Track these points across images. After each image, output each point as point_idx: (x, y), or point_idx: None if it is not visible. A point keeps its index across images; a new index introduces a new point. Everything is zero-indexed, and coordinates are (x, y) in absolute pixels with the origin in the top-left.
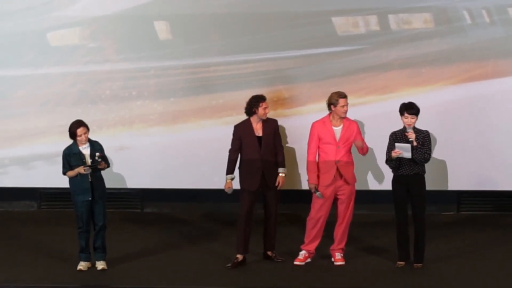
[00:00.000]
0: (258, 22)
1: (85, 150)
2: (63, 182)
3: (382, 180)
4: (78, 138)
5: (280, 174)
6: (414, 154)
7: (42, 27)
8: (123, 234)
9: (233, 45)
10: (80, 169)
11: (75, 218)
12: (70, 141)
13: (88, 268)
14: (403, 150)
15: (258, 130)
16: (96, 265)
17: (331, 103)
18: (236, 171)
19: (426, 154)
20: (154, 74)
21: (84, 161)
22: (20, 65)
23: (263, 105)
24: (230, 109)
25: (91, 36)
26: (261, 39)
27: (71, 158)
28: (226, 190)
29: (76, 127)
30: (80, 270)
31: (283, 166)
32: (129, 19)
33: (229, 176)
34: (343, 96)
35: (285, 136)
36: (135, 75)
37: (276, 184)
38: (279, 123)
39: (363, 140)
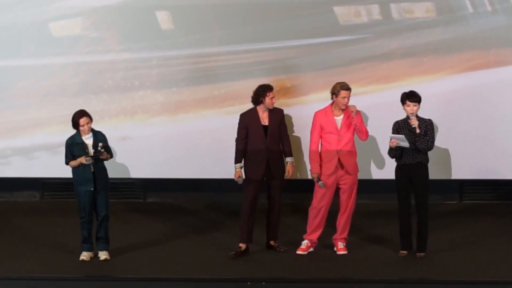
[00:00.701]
0: (260, 12)
1: (88, 140)
2: (65, 172)
3: (385, 169)
4: (81, 128)
5: (289, 163)
6: (417, 142)
7: (43, 18)
8: (125, 224)
9: (235, 35)
10: (82, 159)
11: (78, 208)
12: (72, 131)
13: (91, 258)
14: (399, 140)
15: (264, 119)
16: (99, 255)
17: (333, 93)
18: None
19: (429, 143)
20: (156, 64)
21: (87, 151)
22: (22, 56)
23: (270, 94)
24: (232, 99)
25: (92, 26)
26: (263, 28)
27: (73, 148)
28: (236, 179)
29: (79, 116)
30: (83, 260)
31: (291, 155)
32: (130, 9)
33: (238, 165)
34: (346, 88)
35: (288, 126)
36: (137, 65)
37: (286, 174)
38: None
39: (361, 119)
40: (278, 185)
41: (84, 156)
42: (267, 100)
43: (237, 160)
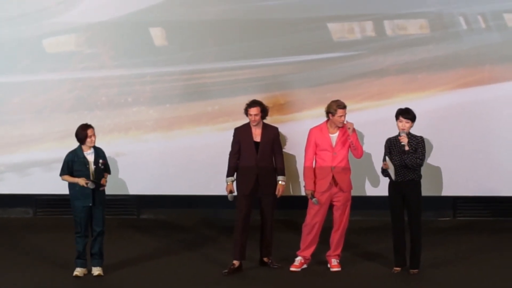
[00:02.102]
0: (253, 29)
1: (90, 156)
2: (59, 188)
3: (378, 186)
4: (88, 140)
5: (280, 182)
6: (406, 159)
7: (38, 34)
8: (119, 241)
9: (229, 51)
10: (82, 182)
11: (72, 224)
12: (66, 147)
13: (84, 274)
14: (390, 169)
15: (256, 135)
16: (92, 271)
17: (329, 112)
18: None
19: (418, 160)
20: (150, 81)
21: (88, 166)
22: (16, 72)
23: (250, 111)
24: (226, 115)
25: (87, 42)
26: (256, 45)
27: (74, 163)
28: (228, 194)
29: (85, 127)
30: (76, 276)
31: (283, 174)
32: (124, 25)
33: (229, 178)
34: (342, 107)
35: (281, 142)
36: (131, 81)
37: (276, 193)
38: None
39: (357, 137)
40: (269, 202)
41: (85, 179)
42: (249, 116)
43: (228, 174)
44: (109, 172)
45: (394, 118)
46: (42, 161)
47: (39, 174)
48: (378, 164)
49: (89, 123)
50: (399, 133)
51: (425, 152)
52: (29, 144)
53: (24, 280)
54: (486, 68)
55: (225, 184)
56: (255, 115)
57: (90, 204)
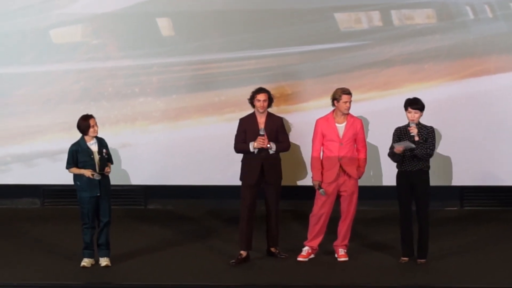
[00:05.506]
0: (260, 19)
1: (93, 146)
2: (66, 179)
3: (386, 176)
4: (91, 130)
5: (269, 144)
6: (416, 149)
7: (44, 25)
8: (126, 231)
9: (236, 41)
10: (88, 173)
11: (79, 214)
12: (73, 138)
13: (92, 264)
14: (404, 145)
15: (261, 124)
16: (100, 262)
17: (334, 98)
18: (239, 164)
19: (428, 150)
20: (157, 71)
21: (92, 156)
22: (22, 63)
23: (257, 97)
24: (232, 106)
25: (93, 33)
26: (263, 35)
27: (79, 154)
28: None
29: (87, 118)
30: (84, 267)
31: (279, 146)
32: (131, 16)
33: (251, 143)
34: (347, 92)
35: (288, 132)
36: (138, 72)
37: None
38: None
39: (364, 161)
40: (274, 192)
41: (91, 171)
42: (256, 103)
43: (247, 144)
44: (111, 162)
45: (401, 108)
46: (48, 152)
47: (46, 164)
48: (384, 154)
49: (93, 113)
50: (409, 123)
51: (435, 142)
52: (35, 135)
53: (31, 270)
54: (492, 58)
55: (233, 173)
56: (264, 100)
57: (98, 194)
